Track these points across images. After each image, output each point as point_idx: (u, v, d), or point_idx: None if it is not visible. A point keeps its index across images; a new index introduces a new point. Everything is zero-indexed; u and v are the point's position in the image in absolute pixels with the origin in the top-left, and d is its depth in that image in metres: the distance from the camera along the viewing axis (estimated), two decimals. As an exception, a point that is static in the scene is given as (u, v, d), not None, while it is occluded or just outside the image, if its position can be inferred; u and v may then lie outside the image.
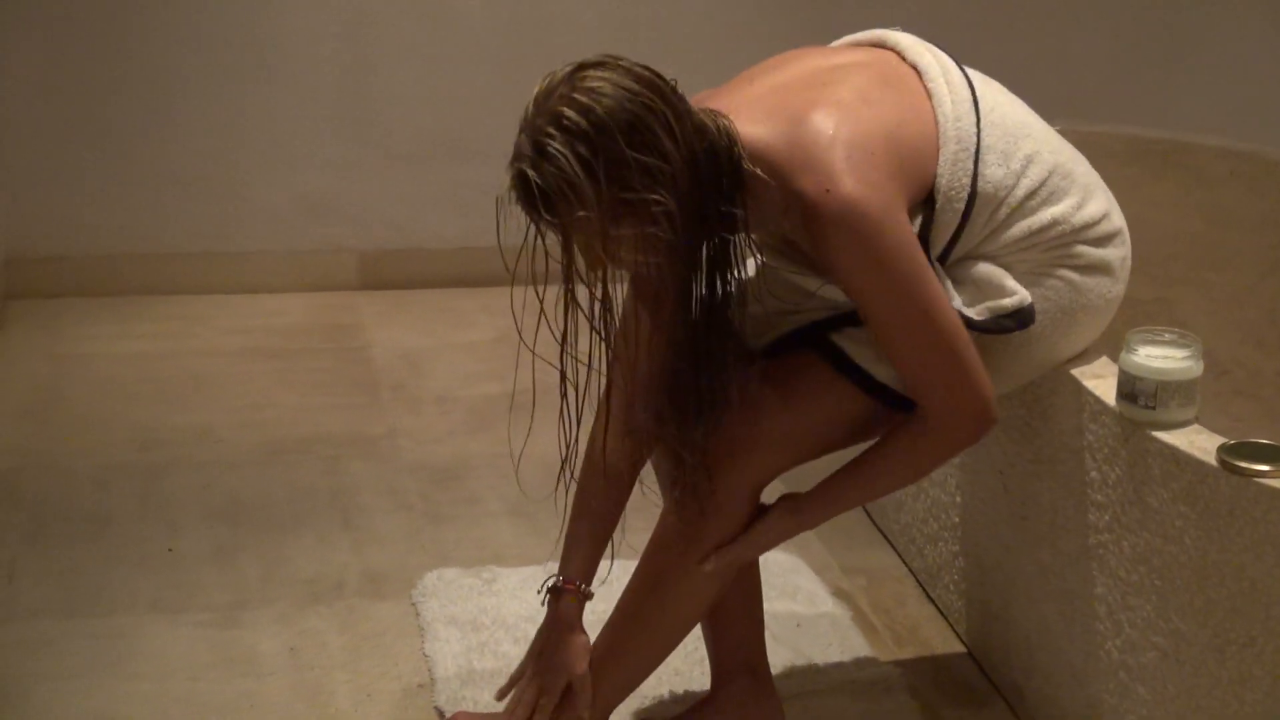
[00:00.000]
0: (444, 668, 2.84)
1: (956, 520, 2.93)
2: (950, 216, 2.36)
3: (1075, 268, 2.45)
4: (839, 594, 3.10)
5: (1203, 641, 2.25)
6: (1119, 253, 2.50)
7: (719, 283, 2.30)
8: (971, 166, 2.36)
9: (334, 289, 4.50)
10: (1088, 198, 2.47)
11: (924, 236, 2.35)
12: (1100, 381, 2.45)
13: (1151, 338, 2.33)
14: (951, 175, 2.35)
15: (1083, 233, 2.45)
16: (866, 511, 3.36)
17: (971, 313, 2.37)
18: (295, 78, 4.41)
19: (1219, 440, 2.24)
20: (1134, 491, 2.35)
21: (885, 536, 3.28)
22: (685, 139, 2.22)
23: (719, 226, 2.27)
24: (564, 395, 2.40)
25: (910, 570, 3.17)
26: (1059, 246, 2.43)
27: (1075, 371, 2.49)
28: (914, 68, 2.43)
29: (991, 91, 2.46)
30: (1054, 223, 2.42)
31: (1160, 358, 2.31)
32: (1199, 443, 2.25)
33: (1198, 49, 4.69)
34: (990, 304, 2.38)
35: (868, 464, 2.41)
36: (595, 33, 4.48)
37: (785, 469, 2.46)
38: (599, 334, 2.31)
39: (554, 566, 3.14)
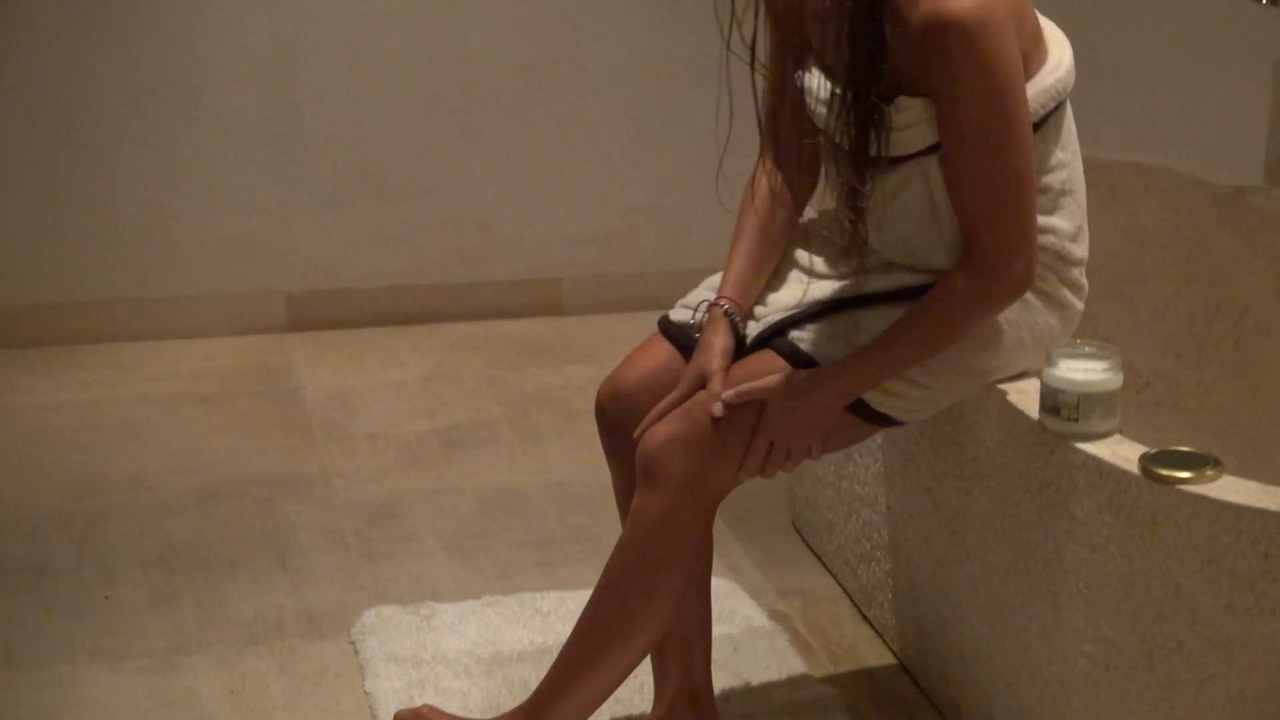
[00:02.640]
0: (385, 705, 2.84)
1: (888, 539, 2.97)
2: None
3: (1037, 290, 2.53)
4: (775, 616, 3.13)
5: (1132, 648, 2.29)
6: (1076, 305, 2.59)
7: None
8: (1051, 111, 2.47)
9: (263, 331, 4.50)
10: (1080, 237, 2.57)
11: None
12: (1023, 396, 2.49)
13: (1072, 351, 2.38)
14: (1036, 97, 2.45)
15: (1059, 264, 2.53)
16: (800, 534, 3.39)
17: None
18: (220, 121, 4.41)
19: (1141, 449, 2.29)
20: (1060, 503, 2.38)
21: (819, 558, 3.31)
22: None
23: None
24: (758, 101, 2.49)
25: (845, 590, 3.20)
26: (1039, 262, 2.49)
27: (999, 386, 2.52)
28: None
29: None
30: (1053, 231, 2.51)
31: (1081, 370, 2.35)
32: (1121, 452, 2.30)
33: (1109, 69, 4.76)
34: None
35: (906, 320, 2.45)
36: (516, 71, 4.51)
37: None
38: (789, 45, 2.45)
39: (491, 600, 3.17)
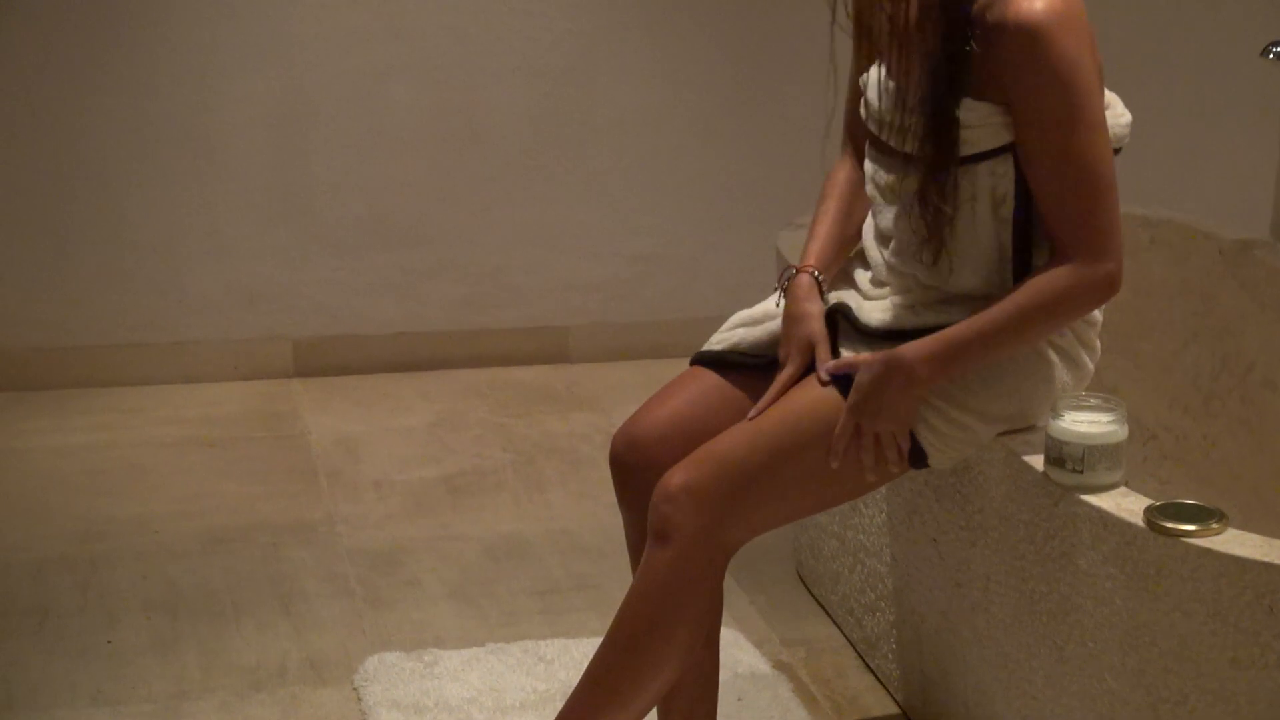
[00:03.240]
0: (387, 751, 2.84)
1: (893, 589, 2.96)
2: None
3: (1054, 345, 2.53)
4: (779, 666, 3.12)
5: (1137, 701, 2.28)
6: (1088, 365, 2.59)
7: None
8: None
9: (270, 377, 4.51)
10: None
11: None
12: (1028, 447, 2.48)
13: (1077, 403, 2.37)
14: None
15: (1079, 324, 2.54)
16: (804, 584, 3.39)
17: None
18: (230, 168, 4.43)
19: (1146, 502, 2.28)
20: (1064, 555, 2.38)
21: (824, 608, 3.31)
22: None
23: None
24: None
25: (849, 640, 3.19)
26: None
27: (1004, 438, 2.52)
28: None
29: None
30: None
31: (1086, 422, 2.35)
32: (1126, 505, 2.29)
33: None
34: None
35: (997, 311, 2.44)
36: (524, 120, 4.53)
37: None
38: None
39: (495, 647, 3.17)
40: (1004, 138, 2.44)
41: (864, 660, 3.13)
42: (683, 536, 2.43)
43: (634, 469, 2.59)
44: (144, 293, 4.46)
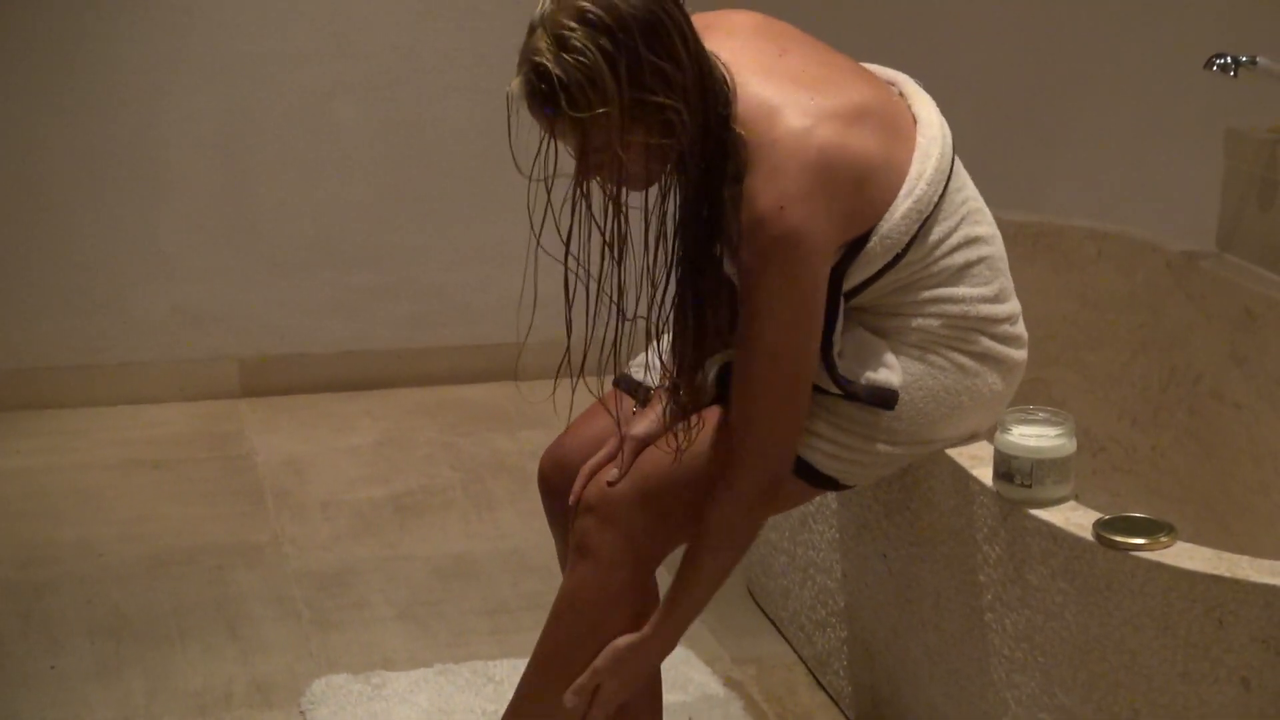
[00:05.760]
0: (335, 775, 2.82)
1: (843, 605, 2.95)
2: (876, 260, 2.40)
3: (969, 353, 2.50)
4: (730, 684, 3.10)
5: (1087, 716, 2.28)
6: (1015, 356, 2.56)
7: (713, 203, 2.33)
8: (917, 228, 2.41)
9: (216, 397, 4.47)
10: (1004, 296, 2.53)
11: (842, 270, 2.39)
12: (977, 462, 2.48)
13: (1025, 417, 2.37)
14: (894, 228, 2.39)
15: (987, 325, 2.50)
16: (755, 600, 3.37)
17: (840, 369, 2.42)
18: (175, 187, 4.39)
19: (1095, 516, 2.28)
20: (1014, 569, 2.37)
21: (775, 625, 3.29)
22: (695, 54, 2.26)
23: (717, 148, 2.30)
24: (568, 293, 2.52)
25: (800, 658, 3.18)
26: (959, 329, 2.48)
27: (952, 453, 2.51)
28: (915, 118, 2.49)
29: (964, 172, 2.54)
30: (964, 300, 2.47)
31: (1034, 436, 2.34)
32: (1075, 519, 2.29)
33: (1064, 136, 4.78)
34: (862, 373, 2.44)
35: (691, 555, 2.44)
36: (471, 137, 4.51)
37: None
38: (608, 232, 2.41)
39: (443, 668, 3.14)
40: None
41: (816, 677, 3.11)
42: (602, 549, 2.44)
43: (562, 488, 2.57)
44: (88, 313, 4.41)
